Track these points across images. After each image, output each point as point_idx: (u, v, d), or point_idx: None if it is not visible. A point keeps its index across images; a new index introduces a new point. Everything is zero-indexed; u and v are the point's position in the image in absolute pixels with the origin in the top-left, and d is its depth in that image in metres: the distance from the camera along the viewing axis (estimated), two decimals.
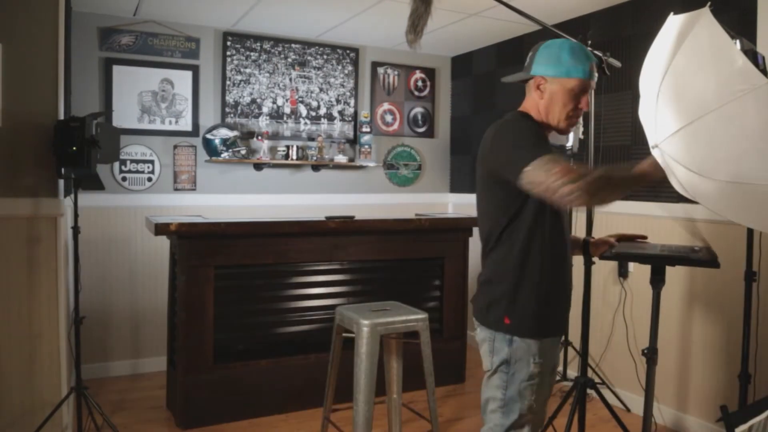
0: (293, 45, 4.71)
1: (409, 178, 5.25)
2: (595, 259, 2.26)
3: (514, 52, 4.67)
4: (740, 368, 2.71)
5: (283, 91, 4.71)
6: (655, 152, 2.57)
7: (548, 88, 1.86)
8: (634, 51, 3.59)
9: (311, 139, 4.80)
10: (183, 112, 4.39)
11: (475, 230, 4.46)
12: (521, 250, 1.81)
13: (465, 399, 3.86)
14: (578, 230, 3.17)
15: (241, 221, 3.49)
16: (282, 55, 4.68)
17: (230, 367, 3.43)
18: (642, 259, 2.17)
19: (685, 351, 3.37)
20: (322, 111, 4.86)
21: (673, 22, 2.41)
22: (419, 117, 5.28)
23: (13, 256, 2.78)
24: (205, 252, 3.35)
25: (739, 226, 2.76)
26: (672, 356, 3.41)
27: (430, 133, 5.33)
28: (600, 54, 2.76)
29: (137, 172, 4.24)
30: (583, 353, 3.01)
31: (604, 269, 3.76)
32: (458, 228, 4.08)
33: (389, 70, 5.13)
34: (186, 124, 4.40)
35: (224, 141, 4.36)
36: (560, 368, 4.01)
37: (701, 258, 2.02)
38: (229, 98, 4.52)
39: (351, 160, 4.92)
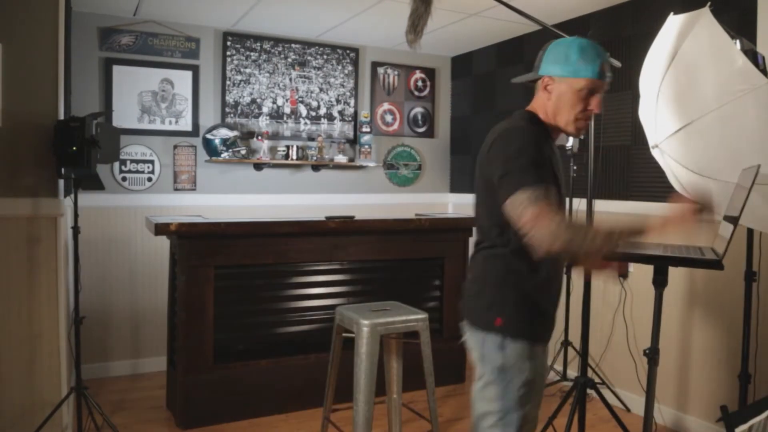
0: (293, 45, 4.71)
1: (409, 178, 5.25)
2: None
3: (514, 52, 4.67)
4: (740, 368, 2.71)
5: (283, 91, 4.71)
6: (655, 152, 2.57)
7: (556, 88, 1.78)
8: (634, 51, 3.59)
9: (311, 139, 4.80)
10: (183, 112, 4.39)
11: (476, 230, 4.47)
12: (515, 251, 1.71)
13: (465, 399, 3.86)
14: None
15: (241, 221, 3.49)
16: (282, 55, 4.68)
17: (230, 367, 3.43)
18: (645, 259, 2.13)
19: (685, 351, 3.37)
20: (322, 111, 4.86)
21: (673, 22, 2.42)
22: (419, 117, 5.28)
23: (13, 256, 2.78)
24: (205, 252, 3.35)
25: (739, 226, 2.76)
26: (672, 356, 3.41)
27: (430, 133, 5.34)
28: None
29: (137, 172, 4.25)
30: (583, 353, 3.01)
31: None
32: (458, 228, 4.08)
33: (389, 70, 5.13)
34: (186, 124, 4.40)
35: (224, 141, 4.36)
36: (560, 368, 4.01)
37: (704, 259, 2.01)
38: (229, 98, 4.52)
39: (351, 160, 4.92)
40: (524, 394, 1.73)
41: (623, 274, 1.80)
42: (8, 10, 2.74)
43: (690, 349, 3.35)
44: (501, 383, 1.71)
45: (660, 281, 2.12)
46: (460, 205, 5.26)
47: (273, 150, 4.61)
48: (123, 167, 4.20)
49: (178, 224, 3.23)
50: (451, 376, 4.04)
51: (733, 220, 1.93)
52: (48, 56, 2.84)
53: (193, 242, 3.32)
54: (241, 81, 4.55)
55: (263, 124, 4.63)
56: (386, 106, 5.14)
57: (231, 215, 4.30)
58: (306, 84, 4.78)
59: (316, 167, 4.82)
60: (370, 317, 2.76)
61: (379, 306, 3.00)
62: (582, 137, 3.35)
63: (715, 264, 1.95)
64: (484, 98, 4.99)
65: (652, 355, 2.13)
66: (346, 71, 4.93)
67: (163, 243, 3.95)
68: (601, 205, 3.70)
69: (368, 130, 4.92)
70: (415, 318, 2.85)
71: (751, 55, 2.27)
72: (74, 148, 2.71)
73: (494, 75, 4.87)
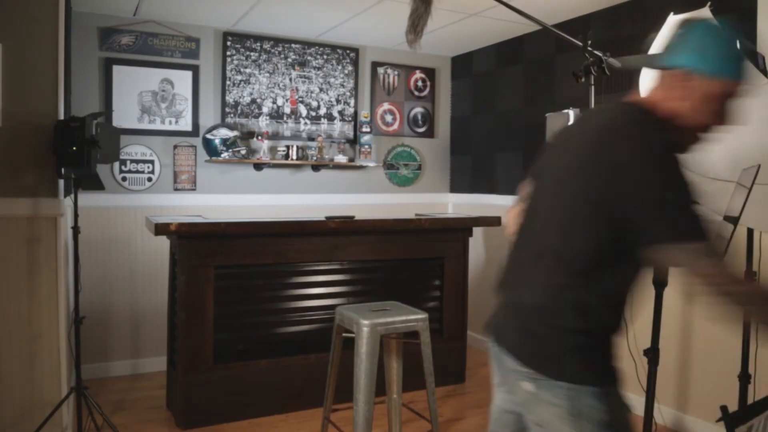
0: (293, 45, 4.71)
1: (409, 178, 5.25)
2: None
3: (514, 52, 4.67)
4: (740, 368, 2.71)
5: (283, 91, 4.71)
6: None
7: (699, 87, 1.35)
8: (634, 51, 3.59)
9: (311, 139, 4.80)
10: (183, 112, 4.39)
11: (476, 230, 4.47)
12: (605, 285, 1.35)
13: (465, 399, 3.86)
14: None
15: (241, 221, 3.49)
16: (282, 55, 4.68)
17: (230, 367, 3.43)
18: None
19: (685, 351, 3.37)
20: (322, 111, 4.86)
21: (673, 22, 2.41)
22: (419, 117, 5.28)
23: (13, 256, 2.78)
24: (205, 252, 3.35)
25: (739, 226, 2.76)
26: (672, 356, 3.41)
27: (430, 133, 5.34)
28: (600, 54, 2.76)
29: (137, 172, 4.24)
30: None
31: None
32: (458, 228, 4.08)
33: (389, 70, 5.13)
34: (186, 124, 4.40)
35: (224, 141, 4.36)
36: None
37: None
38: (229, 98, 4.52)
39: (351, 160, 4.92)
40: None
41: None
42: (8, 10, 2.74)
43: (690, 349, 3.35)
44: None
45: (660, 281, 2.12)
46: (460, 205, 5.26)
47: (273, 150, 4.61)
48: (123, 167, 4.20)
49: (178, 224, 3.23)
50: (451, 376, 4.04)
51: (733, 220, 1.93)
52: (48, 56, 2.83)
53: (193, 242, 3.32)
54: (241, 81, 4.55)
55: (263, 124, 4.63)
56: (386, 106, 5.14)
57: (231, 215, 4.30)
58: (306, 84, 4.78)
59: (316, 167, 4.82)
60: (370, 317, 2.76)
61: (379, 306, 2.99)
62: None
63: None
64: (484, 98, 4.99)
65: (652, 355, 2.13)
66: (346, 71, 4.93)
67: (163, 243, 3.95)
68: None
69: (368, 130, 4.92)
70: (415, 318, 2.85)
71: (751, 55, 2.26)
72: (74, 148, 2.71)
73: (494, 75, 4.87)
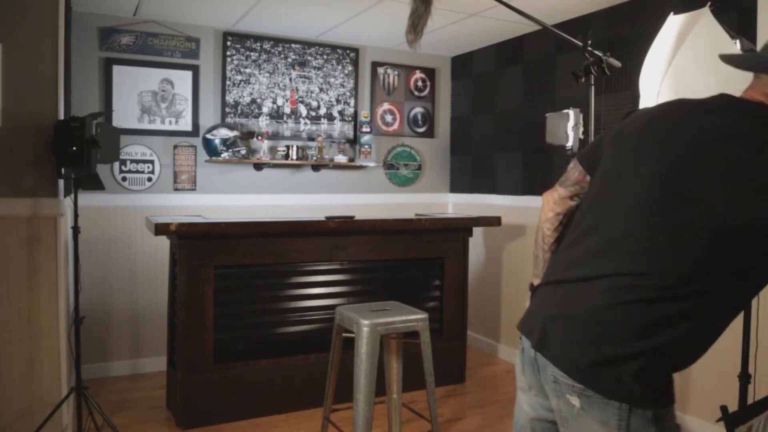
0: (293, 45, 4.71)
1: (409, 178, 5.25)
2: None
3: (514, 52, 4.67)
4: (740, 368, 2.71)
5: (283, 91, 4.71)
6: None
7: None
8: (634, 51, 3.59)
9: (311, 139, 4.80)
10: (183, 112, 4.39)
11: (476, 230, 4.47)
12: (708, 311, 1.21)
13: (465, 399, 3.86)
14: None
15: (241, 221, 3.49)
16: (282, 55, 4.68)
17: (230, 367, 3.43)
18: None
19: None
20: (322, 111, 4.86)
21: (673, 22, 2.41)
22: (419, 117, 5.28)
23: (13, 256, 2.78)
24: (205, 252, 3.35)
25: None
26: None
27: (430, 133, 5.34)
28: (600, 54, 2.76)
29: (137, 172, 4.25)
30: None
31: None
32: (458, 228, 4.08)
33: (389, 70, 5.13)
34: (186, 124, 4.40)
35: (224, 141, 4.36)
36: None
37: None
38: (229, 98, 4.52)
39: (351, 160, 4.92)
40: None
41: None
42: (8, 10, 2.74)
43: None
44: None
45: None
46: (460, 205, 5.26)
47: (273, 150, 4.61)
48: (123, 167, 4.20)
49: (178, 224, 3.23)
50: (451, 376, 4.04)
51: None
52: (48, 56, 2.84)
53: (193, 242, 3.32)
54: (241, 81, 4.55)
55: (263, 124, 4.63)
56: (386, 106, 5.14)
57: (231, 215, 4.30)
58: (306, 84, 4.78)
59: (316, 167, 4.82)
60: (370, 317, 2.76)
61: (379, 306, 3.00)
62: (582, 137, 3.35)
63: None
64: (484, 98, 4.99)
65: None
66: (346, 71, 4.93)
67: (163, 243, 3.95)
68: None
69: (368, 130, 4.92)
70: (415, 318, 2.85)
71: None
72: (74, 148, 2.71)
73: (494, 75, 4.87)
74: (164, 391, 3.76)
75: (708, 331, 1.24)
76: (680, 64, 2.31)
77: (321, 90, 4.84)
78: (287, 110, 4.73)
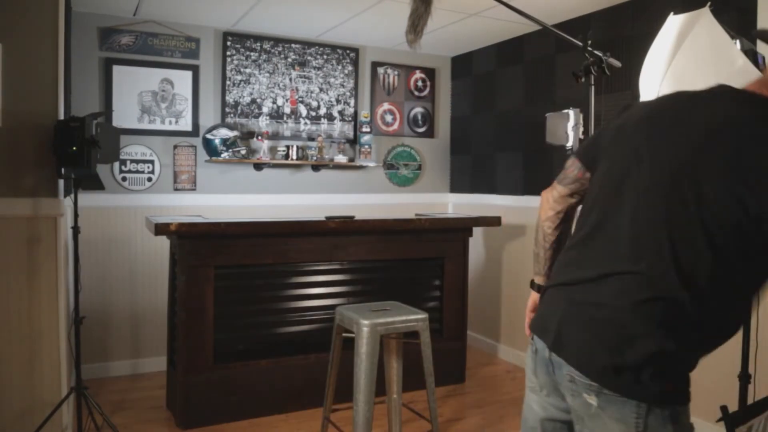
0: (293, 45, 4.71)
1: (409, 178, 5.25)
2: None
3: (514, 52, 4.67)
4: (740, 368, 2.70)
5: (283, 91, 4.71)
6: None
7: None
8: (634, 51, 3.59)
9: (311, 139, 4.80)
10: (183, 112, 4.39)
11: (476, 230, 4.47)
12: (726, 307, 1.21)
13: (465, 399, 3.86)
14: None
15: (241, 221, 3.49)
16: (282, 55, 4.68)
17: (230, 367, 3.43)
18: None
19: None
20: (322, 111, 4.86)
21: (673, 22, 2.41)
22: (419, 117, 5.28)
23: (13, 256, 2.78)
24: (205, 252, 3.35)
25: None
26: None
27: (430, 133, 5.34)
28: (600, 54, 2.76)
29: (137, 172, 4.25)
30: None
31: None
32: (458, 228, 4.08)
33: (389, 70, 5.13)
34: (186, 124, 4.40)
35: (224, 141, 4.36)
36: None
37: None
38: (229, 98, 4.52)
39: (351, 160, 4.92)
40: None
41: None
42: (8, 10, 2.74)
43: None
44: None
45: None
46: (460, 205, 5.26)
47: (273, 150, 4.62)
48: (123, 167, 4.20)
49: (178, 224, 3.23)
50: (451, 376, 4.04)
51: None
52: (48, 56, 2.83)
53: (193, 242, 3.32)
54: (241, 81, 4.55)
55: (263, 124, 4.63)
56: (386, 106, 5.14)
57: (231, 215, 4.30)
58: (306, 84, 4.78)
59: (316, 167, 4.82)
60: (370, 317, 2.76)
61: (379, 306, 3.00)
62: (582, 137, 3.35)
63: None
64: (484, 98, 4.99)
65: None
66: (346, 71, 4.93)
67: (163, 243, 3.95)
68: None
69: (368, 130, 4.92)
70: (415, 318, 2.85)
71: (751, 55, 2.26)
72: (74, 148, 2.71)
73: (494, 75, 4.87)
74: (164, 391, 3.76)
75: (722, 326, 1.23)
76: (680, 64, 2.31)
77: (321, 90, 4.84)
78: (287, 110, 4.73)
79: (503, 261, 4.77)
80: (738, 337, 2.78)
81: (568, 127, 2.85)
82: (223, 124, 4.47)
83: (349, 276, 3.82)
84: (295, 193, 4.77)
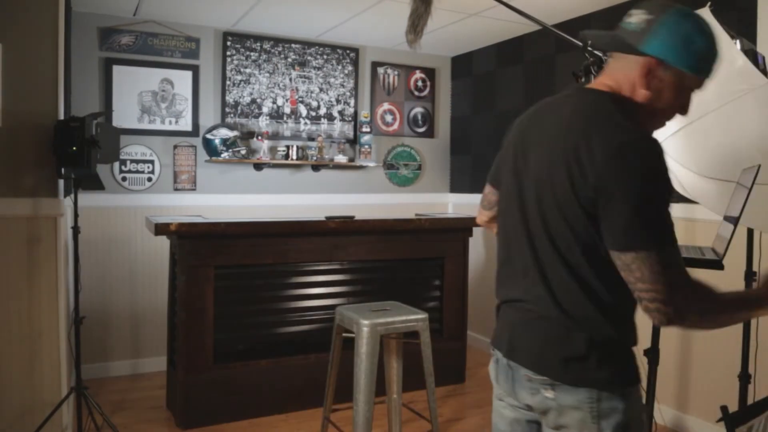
0: (293, 45, 4.71)
1: (409, 178, 5.25)
2: None
3: (514, 52, 4.67)
4: (740, 368, 2.71)
5: (283, 91, 4.71)
6: None
7: (665, 78, 1.28)
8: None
9: (311, 139, 4.80)
10: (183, 112, 4.39)
11: (477, 230, 4.47)
12: (619, 282, 1.27)
13: (465, 399, 3.86)
14: None
15: (241, 221, 3.49)
16: (282, 55, 4.68)
17: (230, 367, 3.43)
18: None
19: (685, 351, 3.37)
20: (322, 111, 4.86)
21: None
22: (419, 117, 5.28)
23: (13, 256, 2.78)
24: (205, 252, 3.35)
25: (739, 226, 2.76)
26: (672, 356, 3.41)
27: (430, 133, 5.34)
28: (600, 54, 2.76)
29: (137, 172, 4.25)
30: None
31: None
32: (458, 228, 4.08)
33: (389, 70, 5.13)
34: (186, 124, 4.40)
35: (224, 141, 4.36)
36: None
37: (705, 259, 2.01)
38: (229, 98, 4.52)
39: (351, 160, 4.92)
40: None
41: None
42: (8, 10, 2.74)
43: (690, 349, 3.35)
44: None
45: None
46: (460, 205, 5.26)
47: (273, 150, 4.62)
48: (123, 167, 4.20)
49: (178, 224, 3.23)
50: (451, 376, 4.04)
51: (733, 220, 1.93)
52: (48, 56, 2.84)
53: (193, 242, 3.32)
54: (241, 81, 4.55)
55: (263, 124, 4.63)
56: (386, 106, 5.14)
57: (231, 215, 4.30)
58: (306, 84, 4.78)
59: (316, 167, 4.82)
60: (370, 317, 2.76)
61: (379, 306, 3.00)
62: None
63: (715, 264, 1.95)
64: (484, 98, 4.99)
65: (653, 355, 2.13)
66: (346, 71, 4.93)
67: (163, 243, 3.95)
68: None
69: (368, 130, 4.92)
70: (415, 318, 2.85)
71: (751, 55, 2.26)
72: (74, 148, 2.71)
73: (494, 75, 4.87)
74: (164, 391, 3.76)
75: (626, 300, 1.31)
76: None
77: (321, 90, 4.84)
78: (287, 110, 4.73)
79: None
80: (738, 337, 2.79)
81: None
82: (223, 124, 4.47)
83: (349, 276, 3.82)
84: (295, 193, 4.77)
